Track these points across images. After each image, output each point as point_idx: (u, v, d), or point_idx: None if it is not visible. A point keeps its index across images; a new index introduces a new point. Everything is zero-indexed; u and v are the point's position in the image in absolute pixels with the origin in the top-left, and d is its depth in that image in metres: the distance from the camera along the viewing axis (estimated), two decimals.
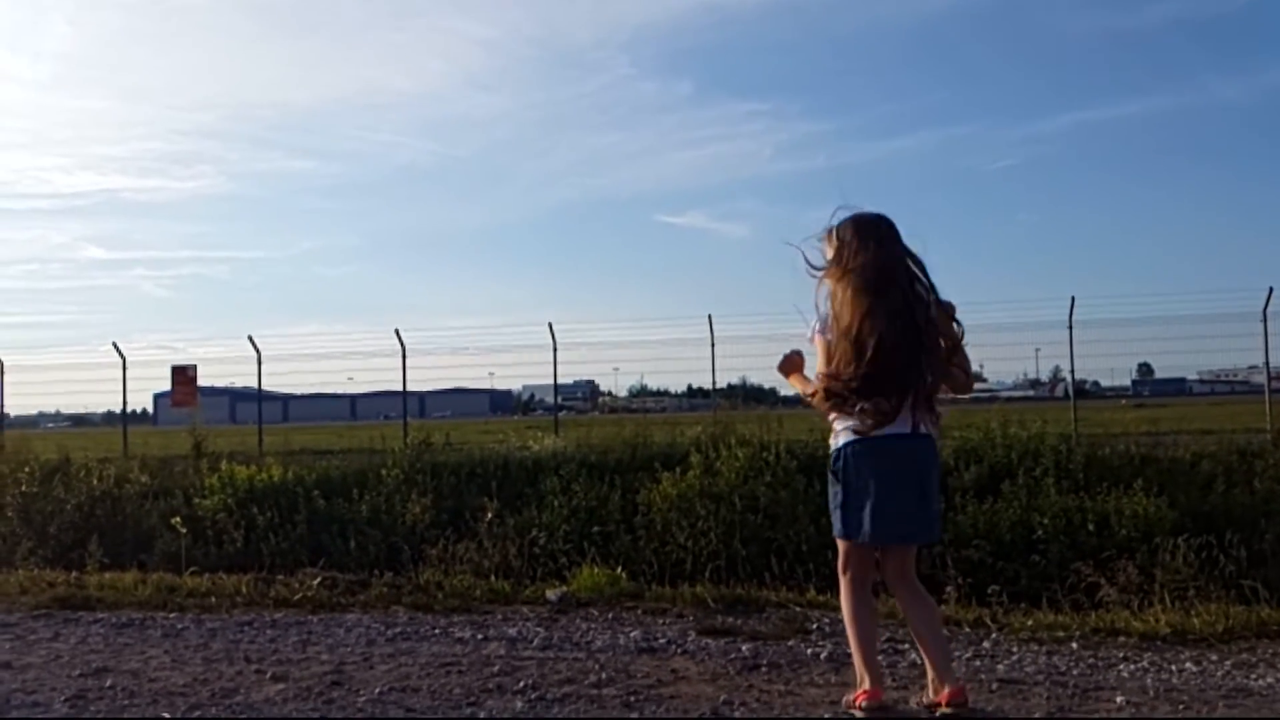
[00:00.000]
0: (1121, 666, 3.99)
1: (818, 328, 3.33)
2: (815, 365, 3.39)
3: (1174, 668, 3.96)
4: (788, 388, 3.59)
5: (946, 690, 3.19)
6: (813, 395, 3.34)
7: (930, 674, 3.28)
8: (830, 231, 3.36)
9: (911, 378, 3.17)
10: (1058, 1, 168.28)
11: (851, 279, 3.22)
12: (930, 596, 3.42)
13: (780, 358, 3.56)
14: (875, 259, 3.22)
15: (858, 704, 3.26)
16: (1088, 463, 10.24)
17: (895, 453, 3.21)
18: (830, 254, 3.35)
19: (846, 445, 3.25)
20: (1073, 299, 16.32)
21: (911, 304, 3.20)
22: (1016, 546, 8.73)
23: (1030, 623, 4.67)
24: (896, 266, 3.23)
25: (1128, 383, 43.78)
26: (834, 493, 3.32)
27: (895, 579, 3.37)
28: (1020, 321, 18.31)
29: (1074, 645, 4.33)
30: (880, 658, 4.13)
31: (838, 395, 3.21)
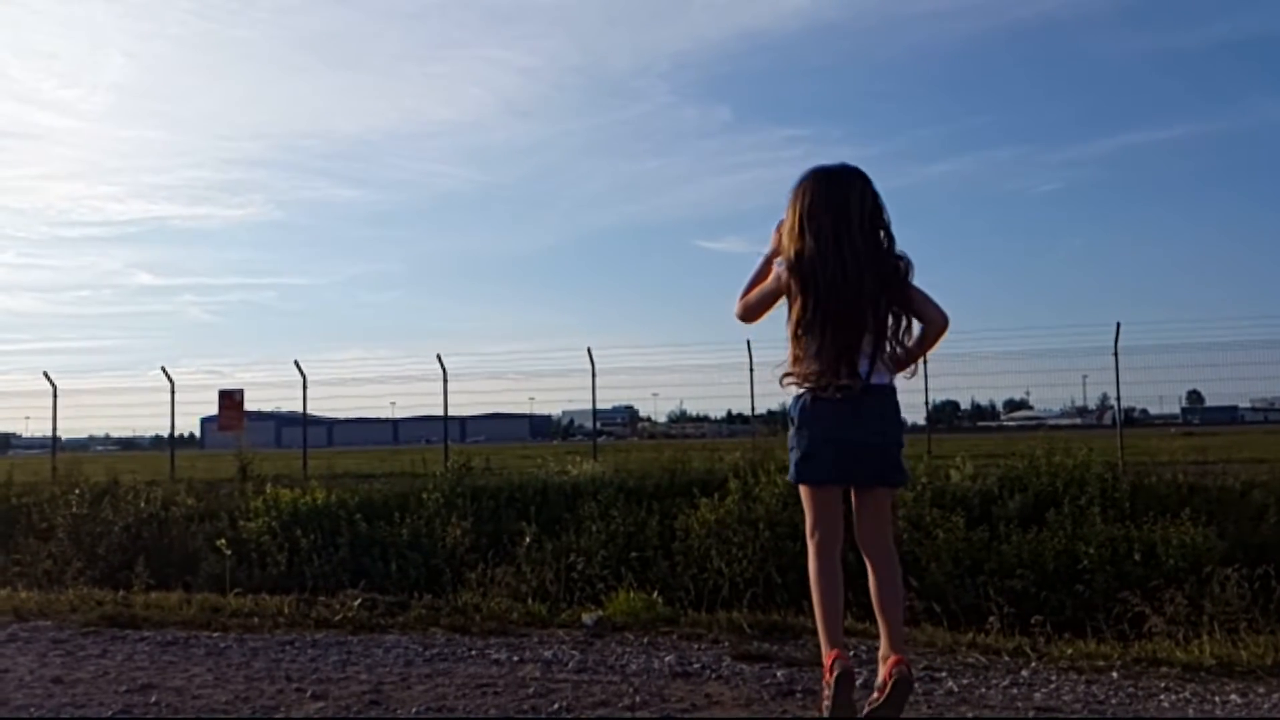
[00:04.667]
0: (1162, 697, 3.92)
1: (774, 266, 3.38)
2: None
3: (1218, 699, 3.88)
4: None
5: (893, 657, 3.16)
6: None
7: (883, 644, 3.26)
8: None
9: (859, 317, 3.18)
10: (1100, 23, 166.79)
11: (799, 217, 3.25)
12: (900, 568, 3.38)
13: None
14: (824, 196, 3.24)
15: (829, 670, 3.21)
16: (1134, 491, 10.09)
17: (850, 401, 3.20)
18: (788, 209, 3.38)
19: (804, 393, 3.30)
20: (1118, 325, 16.16)
21: (859, 238, 3.20)
22: (1061, 576, 8.62)
23: (1070, 651, 4.60)
24: (846, 203, 3.22)
25: (1177, 410, 42.91)
26: (791, 439, 3.35)
27: (869, 540, 3.33)
28: (1066, 348, 18.16)
29: (1114, 675, 4.25)
30: (917, 685, 4.11)
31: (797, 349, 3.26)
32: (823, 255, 3.19)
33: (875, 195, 3.29)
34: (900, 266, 3.26)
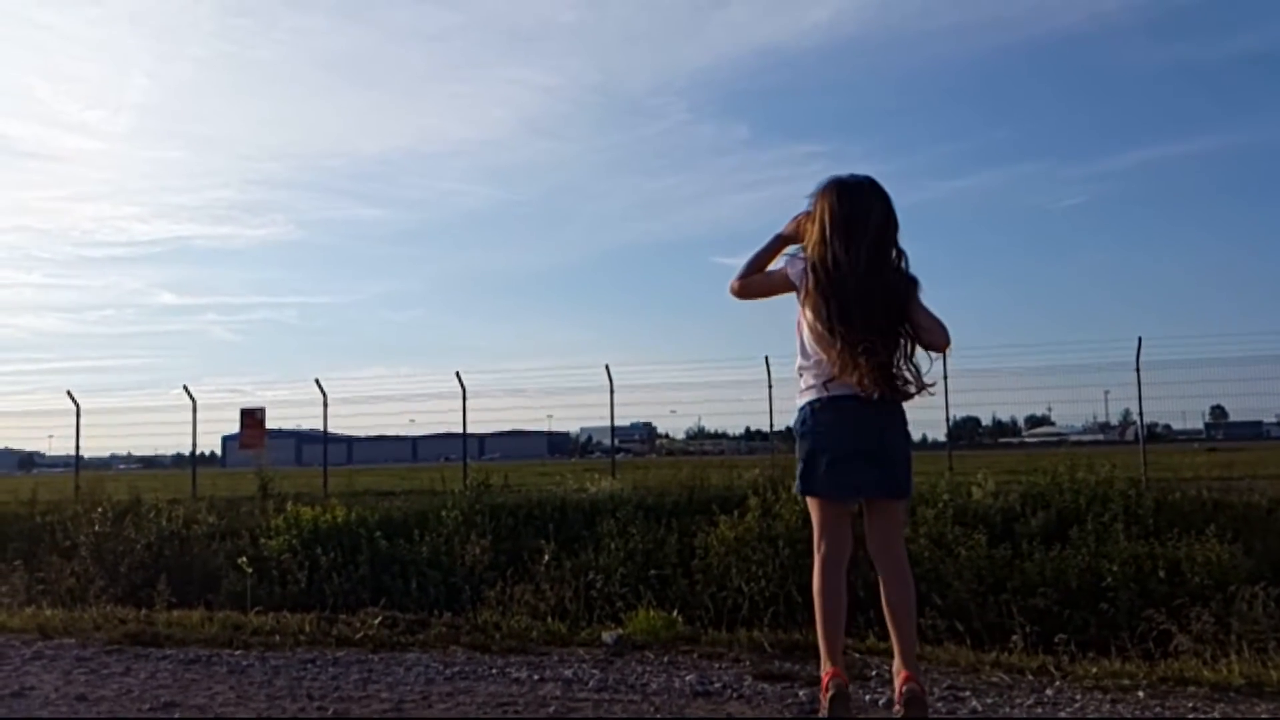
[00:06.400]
0: (1191, 717, 3.87)
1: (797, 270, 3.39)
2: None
3: None
4: None
5: (904, 673, 3.21)
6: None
7: (895, 658, 3.30)
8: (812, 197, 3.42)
9: (873, 326, 3.18)
10: (1122, 36, 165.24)
11: (820, 225, 3.29)
12: (912, 579, 3.39)
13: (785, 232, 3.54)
14: (844, 207, 3.26)
15: (825, 689, 3.23)
16: (1158, 508, 10.00)
17: (854, 411, 3.24)
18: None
19: (808, 404, 3.36)
20: (1139, 339, 16.06)
21: (873, 251, 3.22)
22: (1085, 594, 8.53)
23: (1095, 670, 4.54)
24: (865, 216, 3.25)
25: (1200, 426, 42.49)
26: (799, 451, 3.40)
27: (879, 549, 3.37)
28: (1088, 363, 18.06)
29: (1141, 694, 4.20)
30: (940, 704, 4.07)
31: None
32: (846, 265, 3.22)
33: (892, 211, 3.33)
34: (908, 281, 3.30)
